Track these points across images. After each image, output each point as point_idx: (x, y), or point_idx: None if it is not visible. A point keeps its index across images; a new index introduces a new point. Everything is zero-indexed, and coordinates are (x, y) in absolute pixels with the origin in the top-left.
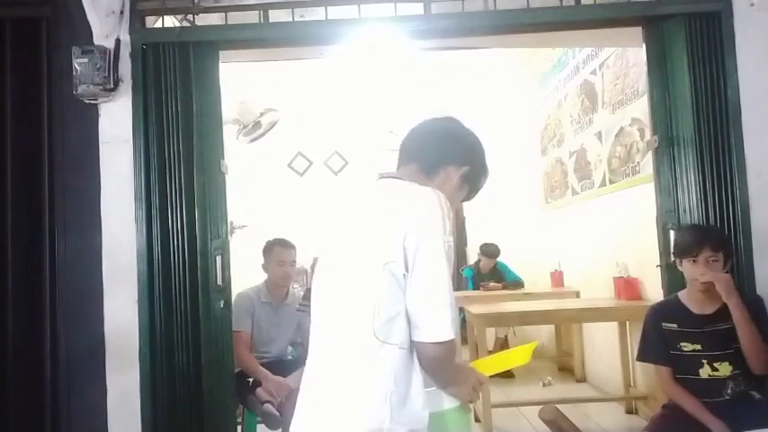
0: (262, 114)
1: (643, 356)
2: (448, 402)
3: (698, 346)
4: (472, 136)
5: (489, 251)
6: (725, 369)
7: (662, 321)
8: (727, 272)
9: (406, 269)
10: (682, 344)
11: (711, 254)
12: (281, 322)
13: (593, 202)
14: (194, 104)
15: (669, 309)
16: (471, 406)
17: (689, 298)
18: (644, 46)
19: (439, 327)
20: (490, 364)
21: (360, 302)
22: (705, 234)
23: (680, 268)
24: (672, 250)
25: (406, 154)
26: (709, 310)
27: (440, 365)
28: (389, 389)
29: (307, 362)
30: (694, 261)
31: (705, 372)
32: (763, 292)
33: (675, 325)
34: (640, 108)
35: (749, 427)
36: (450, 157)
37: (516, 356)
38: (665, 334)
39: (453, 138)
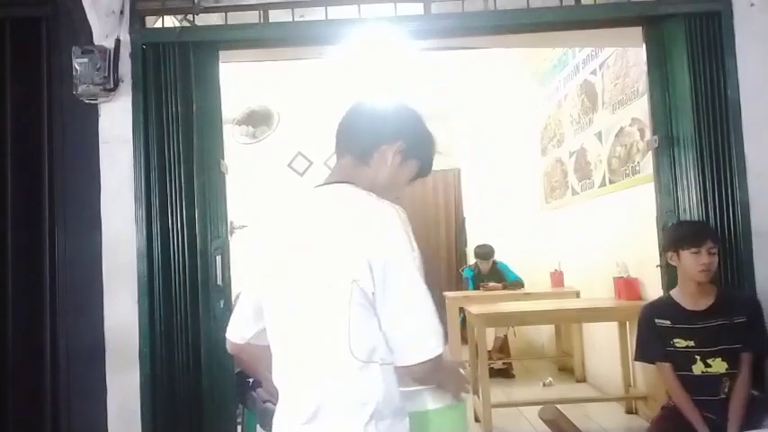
0: (260, 113)
1: (641, 356)
2: (445, 400)
3: (691, 343)
4: (399, 108)
5: (482, 253)
6: (718, 365)
7: (655, 318)
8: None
9: (375, 290)
10: (675, 340)
11: (713, 245)
12: None
13: (593, 202)
14: (194, 104)
15: (662, 306)
16: (471, 406)
17: (681, 294)
18: (644, 46)
19: (424, 346)
20: None
21: (330, 320)
22: (706, 226)
23: (671, 262)
24: (667, 242)
25: (339, 147)
26: (701, 305)
27: (429, 378)
28: (376, 408)
29: (273, 377)
30: (697, 252)
31: (698, 368)
32: (762, 293)
33: (669, 321)
34: (640, 108)
35: (748, 427)
36: (379, 137)
37: None
38: (659, 330)
39: (377, 116)
